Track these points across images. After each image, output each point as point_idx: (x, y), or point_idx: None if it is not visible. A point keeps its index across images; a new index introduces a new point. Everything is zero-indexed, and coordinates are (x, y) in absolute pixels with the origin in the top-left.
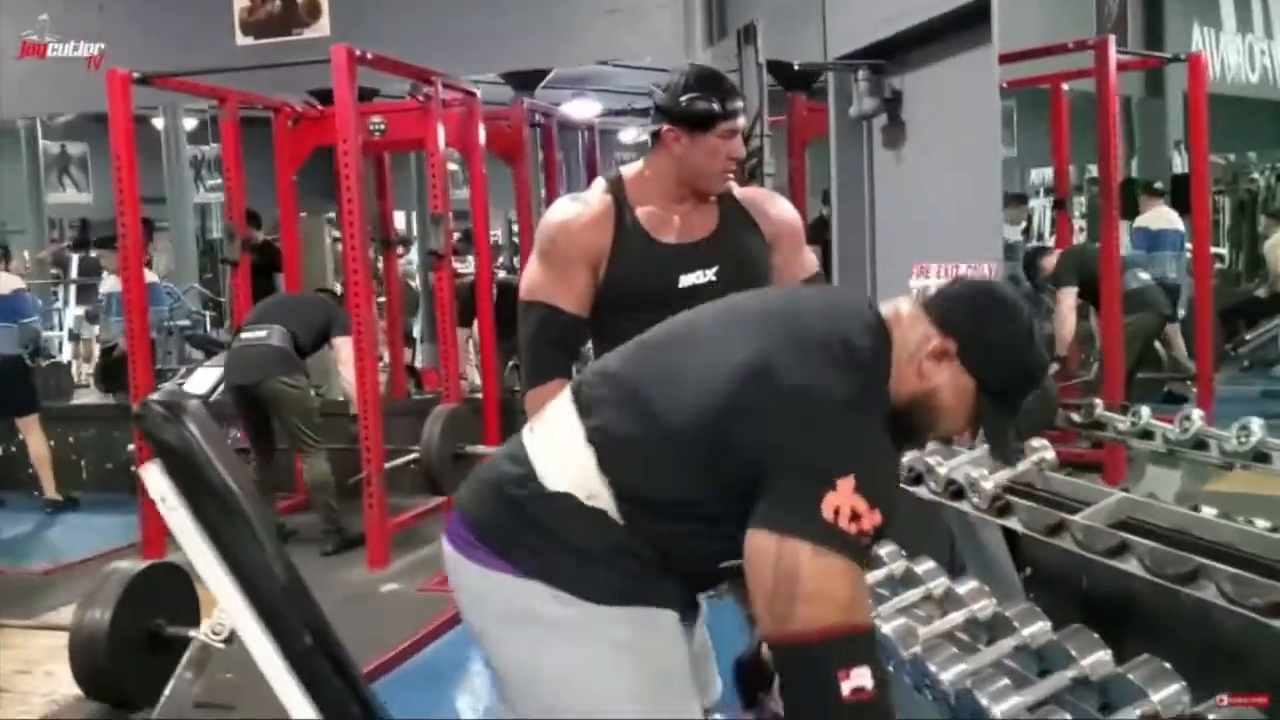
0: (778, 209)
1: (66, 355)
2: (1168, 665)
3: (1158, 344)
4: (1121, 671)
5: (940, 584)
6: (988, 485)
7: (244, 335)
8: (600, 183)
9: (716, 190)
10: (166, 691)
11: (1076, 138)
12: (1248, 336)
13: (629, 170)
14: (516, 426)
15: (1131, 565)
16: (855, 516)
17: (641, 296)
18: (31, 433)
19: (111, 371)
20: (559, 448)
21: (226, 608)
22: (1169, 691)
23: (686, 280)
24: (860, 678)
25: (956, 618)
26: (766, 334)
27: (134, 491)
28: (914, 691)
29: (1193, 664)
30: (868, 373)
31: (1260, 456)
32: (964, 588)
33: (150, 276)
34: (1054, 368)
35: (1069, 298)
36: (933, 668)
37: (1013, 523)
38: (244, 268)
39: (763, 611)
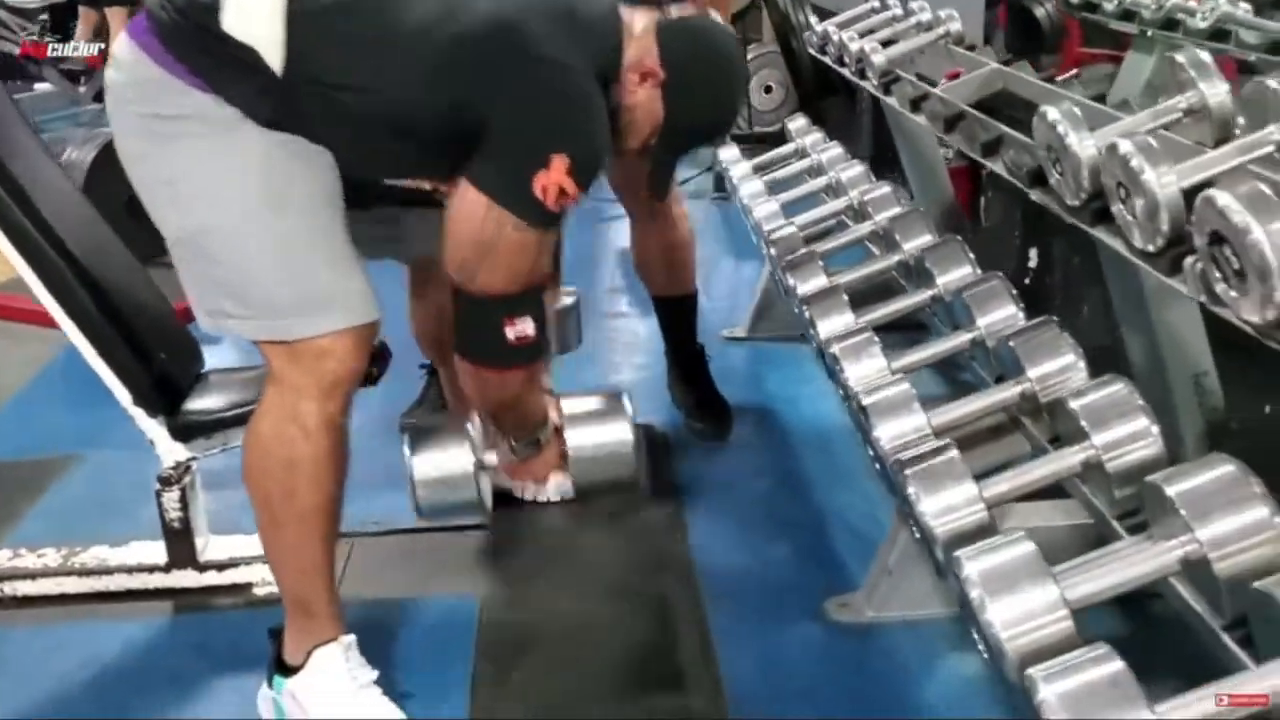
0: None
1: None
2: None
3: None
4: (923, 257)
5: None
6: (878, 59)
7: None
8: None
9: None
10: None
11: None
12: None
13: None
14: None
15: (955, 139)
16: (562, 194)
17: None
18: None
19: None
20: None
21: None
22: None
23: None
24: (523, 325)
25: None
26: None
27: None
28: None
29: None
30: (605, 63)
31: (1219, 34)
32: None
33: None
34: None
35: None
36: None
37: (892, 100)
38: None
39: (451, 259)
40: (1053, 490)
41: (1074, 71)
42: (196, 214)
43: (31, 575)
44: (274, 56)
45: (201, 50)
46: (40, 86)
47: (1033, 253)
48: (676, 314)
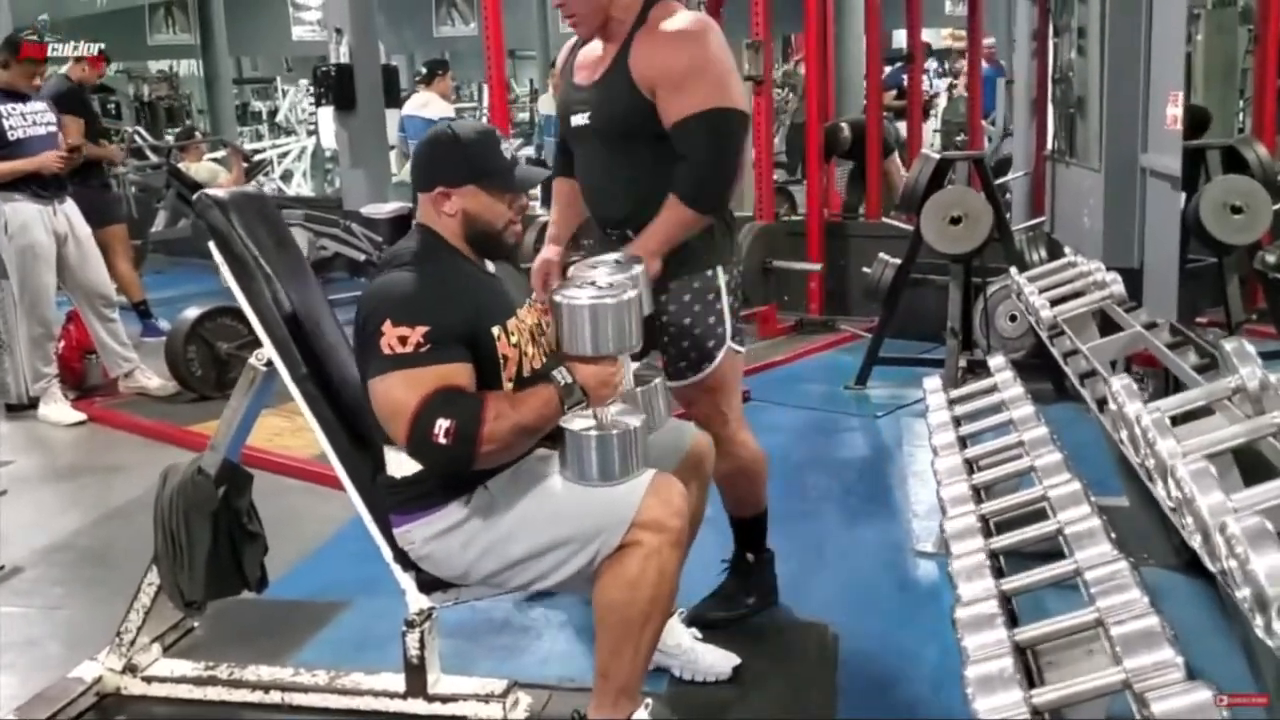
0: (652, 52)
1: None
2: None
3: None
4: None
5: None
6: (1045, 314)
7: None
8: None
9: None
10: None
11: None
12: None
13: None
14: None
15: (1085, 390)
16: (403, 339)
17: (564, 130)
18: None
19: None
20: None
21: (263, 341)
22: None
23: (576, 121)
24: (441, 428)
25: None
26: None
27: None
28: None
29: None
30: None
31: None
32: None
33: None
34: None
35: None
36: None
37: (1054, 350)
38: None
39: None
40: None
41: None
42: None
43: (304, 689)
44: None
45: None
46: None
47: None
48: (738, 530)
